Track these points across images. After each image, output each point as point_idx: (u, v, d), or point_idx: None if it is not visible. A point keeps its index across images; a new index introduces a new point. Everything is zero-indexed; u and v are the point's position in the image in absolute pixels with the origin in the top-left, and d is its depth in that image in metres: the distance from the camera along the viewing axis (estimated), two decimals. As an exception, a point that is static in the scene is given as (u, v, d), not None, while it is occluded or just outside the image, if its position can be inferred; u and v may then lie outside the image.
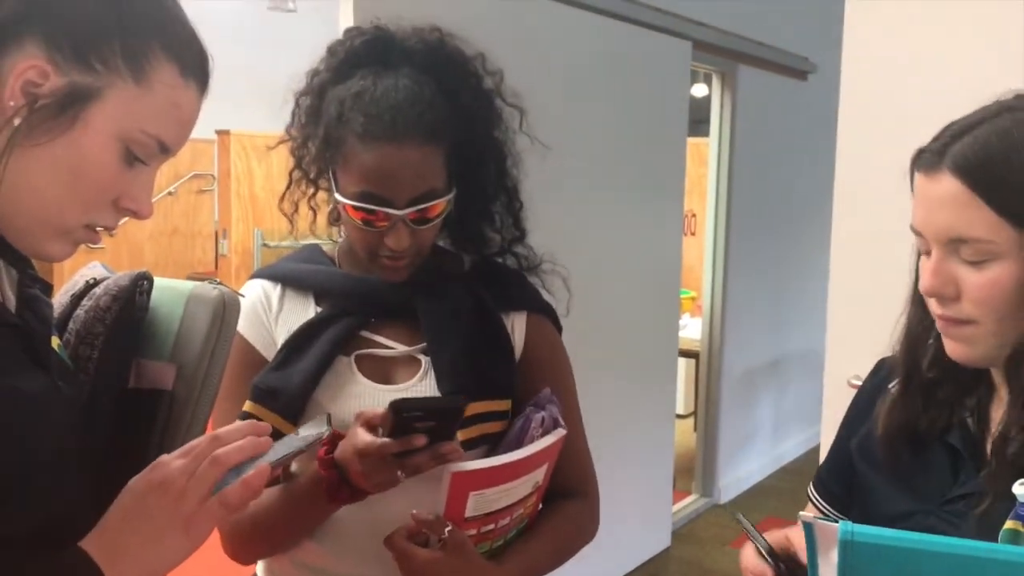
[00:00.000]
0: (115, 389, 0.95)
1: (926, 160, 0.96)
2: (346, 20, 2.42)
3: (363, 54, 1.24)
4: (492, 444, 1.25)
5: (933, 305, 0.98)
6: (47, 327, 0.88)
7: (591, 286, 3.57)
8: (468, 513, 1.15)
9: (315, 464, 1.17)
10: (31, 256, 0.87)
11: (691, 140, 4.37)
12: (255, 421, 0.91)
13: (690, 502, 4.68)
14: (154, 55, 0.81)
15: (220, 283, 1.01)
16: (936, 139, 0.97)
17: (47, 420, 0.83)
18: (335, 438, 1.17)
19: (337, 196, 1.22)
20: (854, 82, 2.27)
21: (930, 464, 1.04)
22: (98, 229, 0.85)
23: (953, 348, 0.98)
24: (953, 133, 0.95)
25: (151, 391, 0.97)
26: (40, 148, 0.78)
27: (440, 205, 1.21)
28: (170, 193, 7.34)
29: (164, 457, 0.85)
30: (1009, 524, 0.90)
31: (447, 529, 1.12)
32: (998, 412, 1.00)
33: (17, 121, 0.77)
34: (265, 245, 5.99)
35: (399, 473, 1.10)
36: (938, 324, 0.99)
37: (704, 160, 4.79)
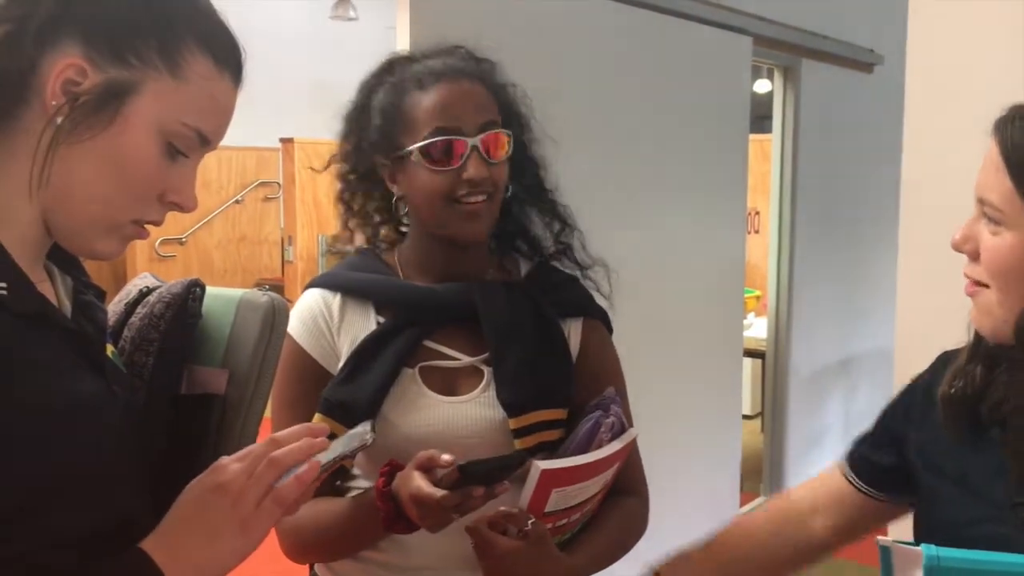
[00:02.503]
0: (169, 395, 0.97)
1: (993, 125, 1.02)
2: (403, 26, 2.43)
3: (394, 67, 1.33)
4: (549, 451, 1.25)
5: (964, 264, 1.03)
6: (102, 333, 0.90)
7: (654, 287, 3.56)
8: (548, 508, 1.17)
9: (371, 490, 1.19)
10: (83, 256, 0.89)
11: (755, 137, 4.30)
12: (312, 424, 0.93)
13: (758, 504, 4.60)
14: (188, 48, 0.83)
15: (269, 290, 1.02)
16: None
17: (104, 423, 0.84)
18: (393, 469, 1.18)
19: (408, 149, 1.24)
20: (920, 74, 2.20)
21: (997, 466, 0.99)
22: (145, 224, 0.87)
23: (974, 315, 1.02)
24: (1016, 108, 1.00)
25: (204, 396, 0.98)
26: (83, 146, 0.80)
27: (505, 139, 1.27)
28: (237, 201, 7.49)
29: (223, 460, 0.87)
30: None
31: (531, 521, 1.14)
32: None
33: (60, 119, 0.79)
34: (330, 250, 6.08)
35: (454, 515, 1.12)
36: (965, 288, 1.03)
37: (768, 157, 4.71)
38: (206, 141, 0.86)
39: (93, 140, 0.80)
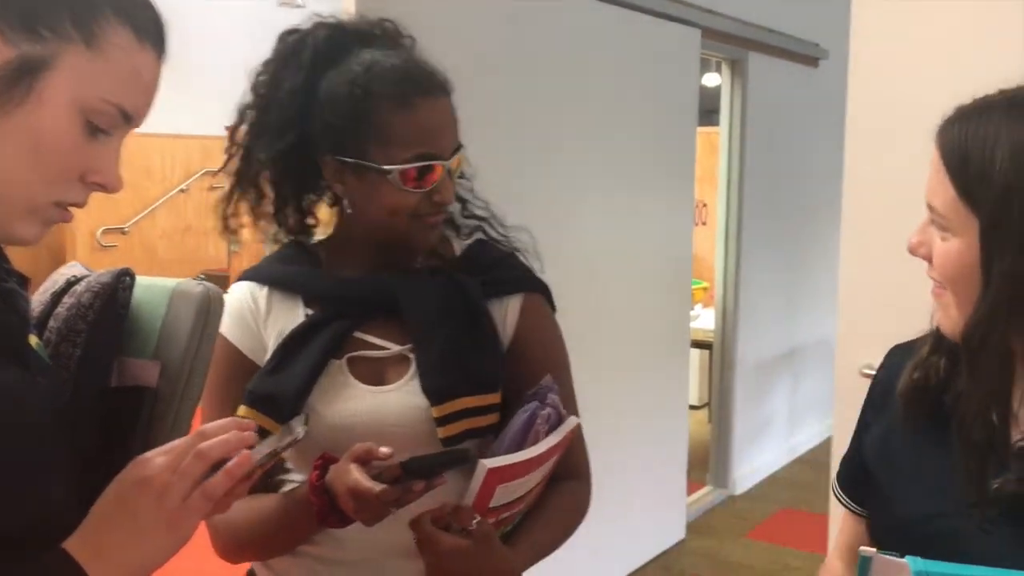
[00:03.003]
0: (98, 387, 0.94)
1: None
2: (349, 15, 2.40)
3: (327, 48, 1.26)
4: (478, 438, 1.23)
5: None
6: (24, 322, 0.86)
7: (602, 278, 3.57)
8: (492, 503, 1.16)
9: (304, 484, 1.17)
10: (1, 241, 0.85)
11: (703, 129, 4.33)
12: (239, 418, 0.89)
13: (705, 493, 4.65)
14: (104, 19, 0.79)
15: (204, 279, 0.99)
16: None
17: (24, 415, 0.81)
18: (327, 462, 1.16)
19: (384, 168, 1.21)
20: (862, 68, 2.22)
21: (953, 462, 0.98)
22: (68, 207, 0.82)
23: (937, 316, 1.02)
24: (958, 112, 0.99)
25: (134, 389, 0.95)
26: None
27: (461, 154, 1.28)
28: (182, 191, 7.37)
29: (146, 454, 0.83)
30: None
31: (475, 521, 1.12)
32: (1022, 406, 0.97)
33: None
34: (275, 239, 5.99)
35: (392, 509, 1.11)
36: (931, 288, 1.03)
37: (716, 149, 4.75)
38: (128, 118, 0.82)
39: (6, 119, 0.76)
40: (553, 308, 1.39)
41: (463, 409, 1.23)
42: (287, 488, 1.26)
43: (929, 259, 0.99)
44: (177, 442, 0.84)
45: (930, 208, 0.98)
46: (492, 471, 1.12)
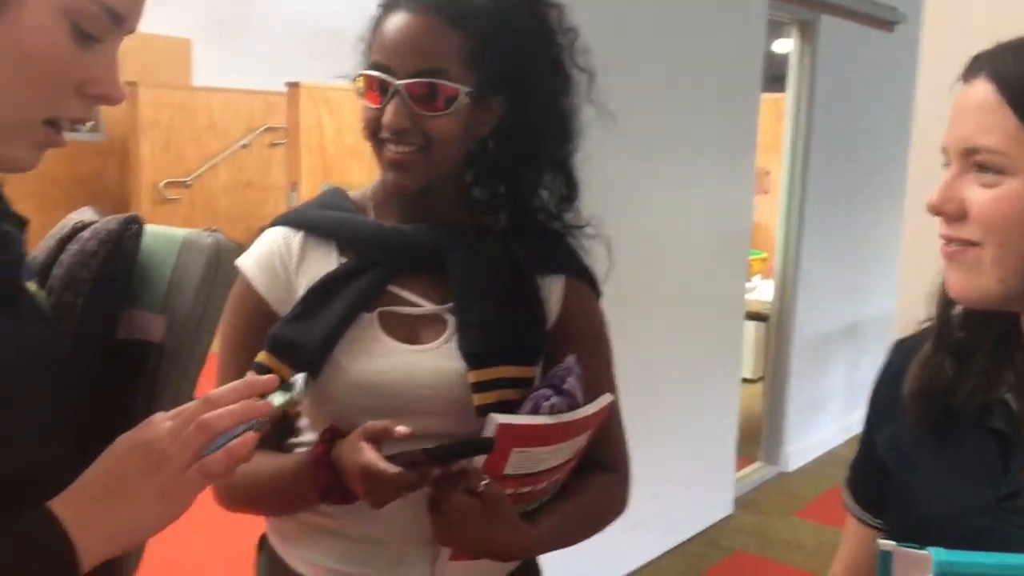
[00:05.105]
0: (100, 340, 0.90)
1: (968, 69, 0.92)
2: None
3: None
4: (508, 411, 1.17)
5: (940, 226, 0.92)
6: (15, 267, 0.82)
7: (656, 244, 3.47)
8: (507, 470, 1.09)
9: (309, 456, 1.12)
10: None
11: (770, 96, 4.18)
12: (251, 379, 0.83)
13: (755, 469, 4.56)
14: None
15: (216, 231, 0.95)
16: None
17: (13, 366, 0.77)
18: (333, 435, 1.11)
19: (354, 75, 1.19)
20: (936, 36, 2.10)
21: (974, 454, 0.92)
22: (65, 129, 0.77)
23: (954, 280, 0.91)
24: (1005, 45, 0.91)
25: (139, 343, 0.91)
26: None
27: (447, 90, 1.14)
28: (244, 146, 7.40)
29: (157, 416, 0.78)
30: None
31: (484, 483, 1.06)
32: None
33: None
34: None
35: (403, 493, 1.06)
36: (942, 251, 0.92)
37: (782, 116, 4.59)
38: (119, 19, 0.75)
39: None
40: (598, 294, 1.31)
41: (500, 378, 1.16)
42: (299, 451, 1.21)
43: (958, 216, 0.89)
44: (185, 407, 0.79)
45: (970, 153, 0.88)
46: (504, 427, 1.06)
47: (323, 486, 1.10)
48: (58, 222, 0.97)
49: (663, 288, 3.44)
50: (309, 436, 1.22)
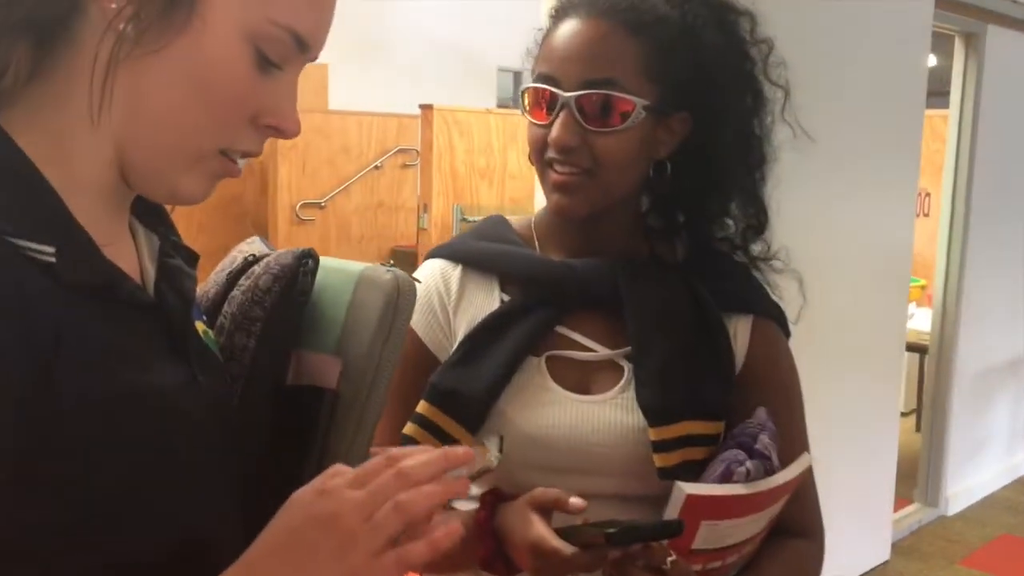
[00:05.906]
0: (271, 386, 0.81)
1: None
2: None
3: None
4: (694, 474, 1.03)
5: None
6: (187, 306, 0.74)
7: (811, 270, 3.25)
8: (696, 544, 0.97)
9: (470, 519, 1.01)
10: (163, 200, 0.73)
11: (926, 112, 3.93)
12: (449, 452, 0.69)
13: (912, 511, 4.24)
14: None
15: (394, 266, 0.85)
16: None
17: (182, 422, 0.69)
18: (496, 499, 1.00)
19: (521, 89, 1.10)
20: None
21: None
22: (237, 160, 0.71)
23: None
24: None
25: (311, 389, 0.82)
26: (153, 58, 0.64)
27: (622, 103, 1.03)
28: (376, 167, 7.49)
29: (336, 480, 0.66)
30: None
31: (670, 559, 0.93)
32: None
33: (122, 25, 0.63)
34: (464, 220, 5.98)
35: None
36: None
37: (939, 135, 4.31)
38: (304, 46, 0.69)
39: (165, 50, 0.64)
40: (787, 334, 1.18)
41: (685, 435, 1.03)
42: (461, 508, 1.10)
43: None
44: (370, 470, 0.66)
45: None
46: (692, 498, 0.93)
47: (485, 556, 0.99)
48: (202, 244, 0.89)
49: (819, 315, 3.22)
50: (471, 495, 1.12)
